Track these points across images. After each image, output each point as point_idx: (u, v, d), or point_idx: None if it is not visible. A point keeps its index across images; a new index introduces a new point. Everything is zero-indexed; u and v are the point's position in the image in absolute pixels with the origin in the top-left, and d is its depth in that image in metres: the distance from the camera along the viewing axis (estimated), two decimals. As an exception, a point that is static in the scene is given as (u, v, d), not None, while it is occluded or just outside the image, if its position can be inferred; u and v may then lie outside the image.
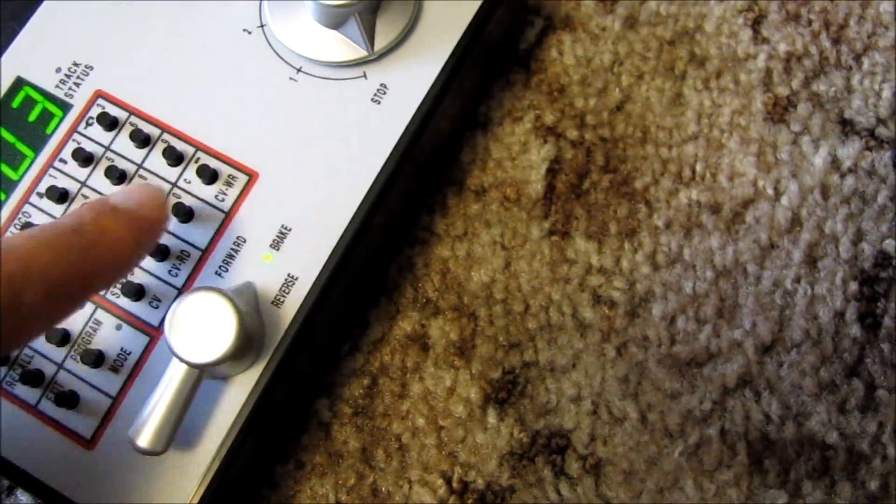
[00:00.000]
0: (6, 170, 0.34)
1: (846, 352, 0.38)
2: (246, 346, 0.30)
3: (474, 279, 0.38)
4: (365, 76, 0.35)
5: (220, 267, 0.33)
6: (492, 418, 0.37)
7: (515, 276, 0.38)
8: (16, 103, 0.35)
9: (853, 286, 0.38)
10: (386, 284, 0.39)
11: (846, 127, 0.41)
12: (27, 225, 0.33)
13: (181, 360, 0.29)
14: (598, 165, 0.40)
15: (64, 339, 0.32)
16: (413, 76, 0.35)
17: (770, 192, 0.39)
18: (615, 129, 0.40)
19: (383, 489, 0.36)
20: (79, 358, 0.32)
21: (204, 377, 0.30)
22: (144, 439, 0.29)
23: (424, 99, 0.35)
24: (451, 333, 0.38)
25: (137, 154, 0.34)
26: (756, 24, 0.42)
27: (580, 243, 0.39)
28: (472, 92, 0.40)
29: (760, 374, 0.37)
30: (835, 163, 0.40)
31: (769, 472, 0.36)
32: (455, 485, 0.36)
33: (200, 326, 0.29)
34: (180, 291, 0.33)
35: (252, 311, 0.31)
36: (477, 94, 0.41)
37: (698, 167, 0.40)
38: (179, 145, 0.34)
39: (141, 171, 0.34)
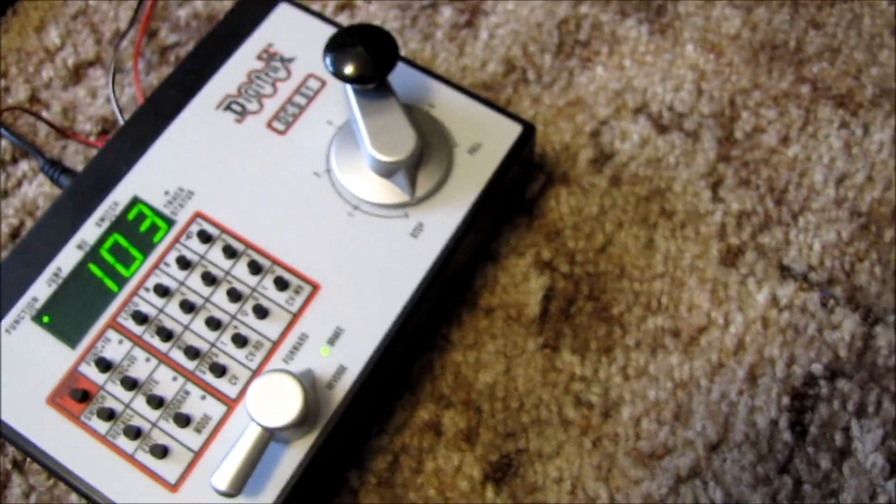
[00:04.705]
0: (120, 268, 0.43)
1: (779, 452, 0.44)
2: (306, 418, 0.39)
3: (481, 380, 0.46)
4: (406, 216, 0.44)
5: (286, 356, 0.41)
6: (490, 493, 0.44)
7: (514, 379, 0.47)
8: (131, 216, 0.44)
9: (786, 400, 0.45)
10: (409, 380, 0.46)
11: (784, 272, 0.49)
12: (136, 313, 0.42)
13: (257, 423, 0.37)
14: (584, 294, 0.49)
15: (159, 403, 0.40)
16: (444, 217, 0.44)
17: (721, 321, 0.48)
18: (599, 266, 0.49)
19: (399, 547, 0.44)
20: (170, 419, 0.40)
21: (272, 440, 0.39)
22: (224, 483, 0.36)
23: (452, 237, 0.43)
24: (460, 423, 0.46)
25: (226, 263, 0.43)
26: (715, 187, 0.52)
27: (566, 356, 0.47)
28: (486, 231, 0.48)
29: (708, 467, 0.45)
30: (774, 300, 0.48)
31: (713, 550, 0.44)
32: (457, 546, 0.44)
33: (274, 398, 0.37)
34: (254, 373, 0.41)
35: (311, 391, 0.40)
36: (489, 232, 0.50)
37: (663, 299, 0.49)
38: (259, 259, 0.43)
39: (228, 277, 0.43)
